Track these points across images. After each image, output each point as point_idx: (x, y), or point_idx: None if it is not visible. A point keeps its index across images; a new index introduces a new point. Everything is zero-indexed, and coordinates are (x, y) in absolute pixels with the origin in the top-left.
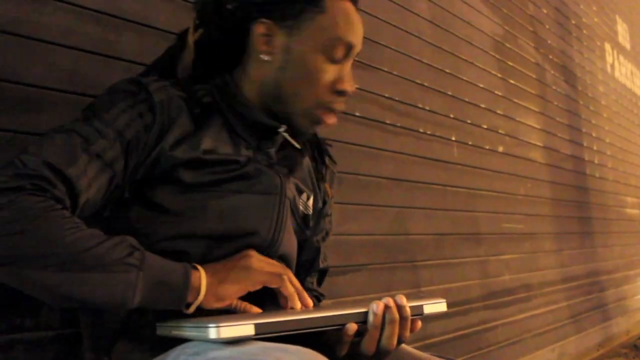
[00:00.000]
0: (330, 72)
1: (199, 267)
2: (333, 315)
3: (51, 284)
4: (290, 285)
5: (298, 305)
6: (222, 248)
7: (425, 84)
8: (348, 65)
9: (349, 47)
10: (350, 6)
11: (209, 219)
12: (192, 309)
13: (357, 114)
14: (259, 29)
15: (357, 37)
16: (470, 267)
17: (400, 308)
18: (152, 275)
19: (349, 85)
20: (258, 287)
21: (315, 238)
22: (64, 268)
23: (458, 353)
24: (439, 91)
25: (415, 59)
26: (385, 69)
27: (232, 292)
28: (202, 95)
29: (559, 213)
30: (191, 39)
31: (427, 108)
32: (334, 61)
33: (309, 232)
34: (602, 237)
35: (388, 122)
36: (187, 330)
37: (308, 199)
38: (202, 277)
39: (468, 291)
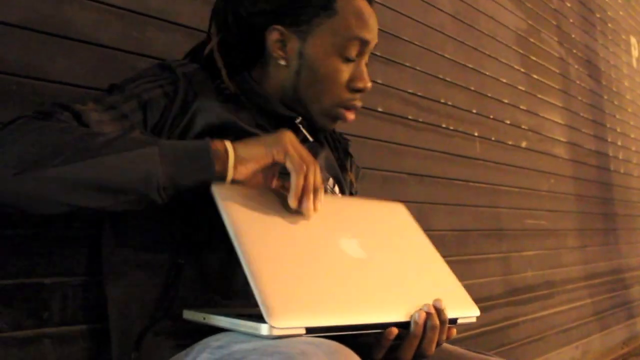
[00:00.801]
0: (345, 71)
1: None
2: (379, 323)
3: (72, 177)
4: (306, 178)
5: (294, 203)
6: None
7: (448, 79)
8: (363, 62)
9: (364, 44)
10: (362, 2)
11: None
12: (229, 177)
13: (380, 109)
14: (273, 35)
15: (370, 32)
16: (492, 263)
17: (439, 312)
18: (171, 147)
19: (365, 82)
20: (281, 158)
21: None
22: (79, 158)
23: (481, 350)
24: (461, 86)
25: (437, 54)
26: (408, 65)
27: (257, 154)
28: (224, 87)
29: (583, 209)
30: (212, 43)
31: (450, 103)
32: (348, 60)
33: None
34: (627, 233)
35: (410, 117)
36: (235, 325)
37: (334, 185)
38: (225, 141)
39: (490, 287)
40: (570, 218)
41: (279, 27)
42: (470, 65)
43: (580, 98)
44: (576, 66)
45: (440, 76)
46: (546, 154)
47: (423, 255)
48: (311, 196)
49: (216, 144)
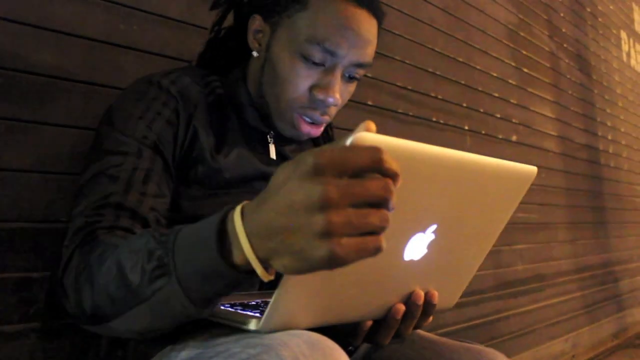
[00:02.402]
0: (306, 75)
1: (235, 219)
2: (361, 315)
3: (122, 328)
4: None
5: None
6: None
7: (438, 72)
8: (337, 72)
9: (329, 52)
10: (347, 7)
11: None
12: (259, 273)
13: (370, 102)
14: (253, 24)
15: (345, 43)
16: None
17: (428, 304)
18: (187, 276)
19: (325, 93)
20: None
21: None
22: (118, 314)
23: None
24: (452, 80)
25: (428, 47)
26: (398, 58)
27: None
28: (215, 86)
29: (573, 203)
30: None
31: (440, 97)
32: (313, 64)
33: None
34: (617, 227)
35: (400, 111)
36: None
37: None
38: (235, 213)
39: (481, 281)
40: (560, 211)
41: (258, 16)
42: (461, 59)
43: (570, 92)
44: (567, 60)
45: (430, 70)
46: (536, 147)
47: (481, 239)
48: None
49: (229, 227)
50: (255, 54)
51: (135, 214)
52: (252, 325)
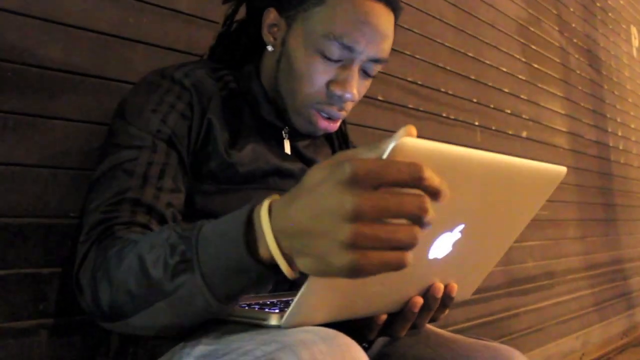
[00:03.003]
0: (324, 71)
1: (262, 215)
2: (380, 309)
3: (140, 325)
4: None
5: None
6: None
7: (448, 67)
8: (355, 68)
9: (346, 48)
10: (365, 2)
11: None
12: (284, 269)
13: (380, 97)
14: (268, 18)
15: (362, 38)
16: None
17: (446, 297)
18: (213, 268)
19: (344, 89)
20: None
21: None
22: (138, 310)
23: None
24: (462, 75)
25: (438, 42)
26: (408, 53)
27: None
28: (227, 80)
29: (583, 199)
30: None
31: (450, 92)
32: (330, 60)
33: None
34: (627, 224)
35: (411, 106)
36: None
37: None
38: (262, 209)
39: (491, 278)
40: (570, 208)
41: (273, 9)
42: (471, 54)
43: (580, 88)
44: (576, 56)
45: (441, 65)
46: (546, 143)
47: (504, 236)
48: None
49: (255, 219)
50: (270, 48)
51: (152, 209)
52: (274, 320)
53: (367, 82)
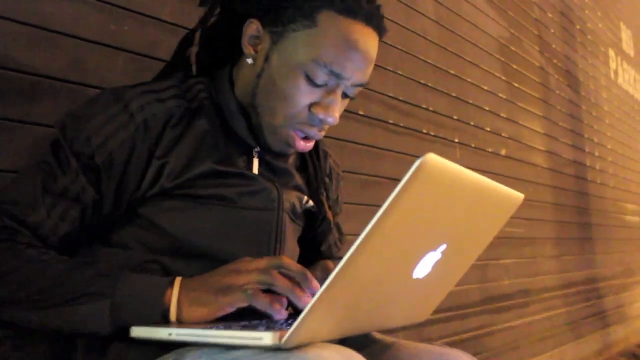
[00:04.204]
0: (307, 93)
1: (176, 282)
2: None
3: (34, 322)
4: (283, 279)
5: (301, 300)
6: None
7: (430, 84)
8: (338, 92)
9: (334, 74)
10: (356, 27)
11: (200, 237)
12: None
13: (361, 112)
14: (250, 29)
15: (351, 66)
16: (469, 270)
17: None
18: (123, 302)
19: (326, 113)
20: (238, 304)
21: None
22: (38, 306)
23: None
24: (442, 92)
25: (420, 59)
26: (390, 68)
27: (198, 316)
28: (198, 90)
29: (560, 218)
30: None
31: (431, 109)
32: (315, 85)
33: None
34: (602, 243)
35: (391, 121)
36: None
37: (307, 201)
38: (173, 296)
39: (467, 295)
40: (547, 226)
41: (256, 21)
42: (452, 72)
43: (559, 107)
44: (556, 76)
45: (422, 81)
46: (525, 162)
47: (466, 257)
48: (306, 278)
49: (167, 298)
50: (249, 61)
51: (50, 235)
52: (270, 340)
53: (346, 102)
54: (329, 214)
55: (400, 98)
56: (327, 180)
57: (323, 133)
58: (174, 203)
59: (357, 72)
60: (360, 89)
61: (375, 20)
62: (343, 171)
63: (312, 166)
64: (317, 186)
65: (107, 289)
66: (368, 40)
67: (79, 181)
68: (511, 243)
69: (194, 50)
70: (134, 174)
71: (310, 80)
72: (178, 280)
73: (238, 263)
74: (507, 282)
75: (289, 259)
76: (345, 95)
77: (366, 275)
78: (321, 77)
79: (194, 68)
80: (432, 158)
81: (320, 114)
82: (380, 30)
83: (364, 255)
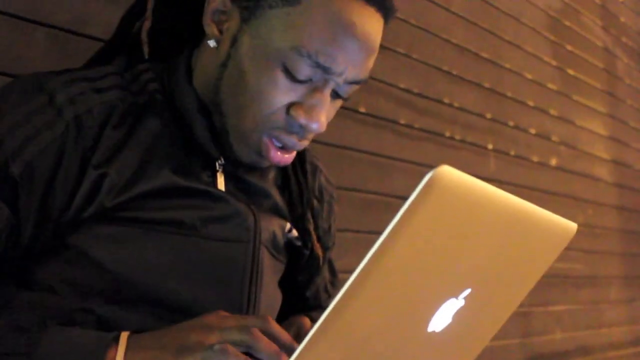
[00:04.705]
0: (286, 91)
1: (122, 340)
2: None
3: None
4: (267, 341)
5: None
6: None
7: (454, 72)
8: (327, 93)
9: (320, 67)
10: (352, 6)
11: (150, 277)
12: None
13: (362, 110)
14: (213, 0)
15: (343, 57)
16: (508, 320)
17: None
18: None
19: (308, 118)
20: None
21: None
22: None
23: None
24: (472, 82)
25: (442, 38)
26: (402, 51)
27: None
28: (147, 79)
29: (632, 250)
30: (150, 4)
31: (456, 105)
32: (296, 80)
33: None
34: None
35: (403, 122)
36: None
37: (290, 230)
38: (118, 358)
39: (506, 353)
40: (613, 261)
41: None
42: (485, 55)
43: (630, 102)
44: (625, 60)
45: (445, 68)
46: (583, 175)
47: (504, 304)
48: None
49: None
50: (212, 43)
51: None
52: None
53: (338, 104)
54: (318, 249)
55: (415, 91)
56: (315, 203)
57: (305, 143)
58: (115, 229)
59: (352, 66)
60: (356, 87)
61: None
62: (339, 188)
63: (296, 184)
64: (302, 211)
65: (25, 347)
66: (368, 23)
67: None
68: (564, 284)
69: (146, 25)
70: (62, 188)
71: (290, 74)
72: (124, 337)
73: (207, 317)
74: (560, 336)
75: (277, 325)
76: (335, 95)
77: (362, 329)
78: (304, 70)
79: (144, 50)
80: (448, 171)
81: (301, 118)
82: (386, 11)
83: (358, 301)
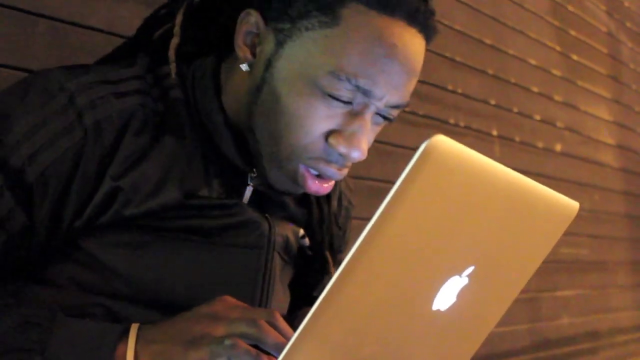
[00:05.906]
0: (325, 118)
1: (132, 332)
2: None
3: None
4: (276, 334)
5: None
6: None
7: (458, 58)
8: (368, 118)
9: (360, 91)
10: (394, 28)
11: (165, 283)
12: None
13: None
14: (246, 21)
15: (385, 79)
16: (516, 305)
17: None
18: (59, 358)
19: (348, 145)
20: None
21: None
22: None
23: None
24: (475, 69)
25: (444, 24)
26: None
27: None
28: (169, 86)
29: (638, 235)
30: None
31: (460, 91)
32: (335, 106)
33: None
34: None
35: (407, 109)
36: None
37: (304, 236)
38: (129, 350)
39: (513, 338)
40: (620, 246)
41: (256, 12)
42: (488, 41)
43: (635, 87)
44: (630, 45)
45: (448, 55)
46: (588, 160)
47: (507, 287)
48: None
49: (118, 355)
50: (244, 67)
51: None
52: None
53: (377, 129)
54: (328, 255)
55: (419, 78)
56: (335, 230)
57: (345, 172)
58: (129, 236)
59: (394, 90)
60: (398, 111)
61: (421, 17)
62: None
63: (317, 207)
64: (322, 238)
65: (36, 343)
66: (410, 44)
67: (3, 201)
68: (572, 269)
69: (173, 42)
70: (77, 196)
71: (328, 100)
72: (134, 329)
73: (214, 305)
74: (567, 321)
75: (283, 320)
76: (378, 118)
77: (364, 306)
78: (344, 94)
79: (172, 68)
80: (443, 141)
81: (341, 146)
82: (428, 32)
83: (358, 277)
